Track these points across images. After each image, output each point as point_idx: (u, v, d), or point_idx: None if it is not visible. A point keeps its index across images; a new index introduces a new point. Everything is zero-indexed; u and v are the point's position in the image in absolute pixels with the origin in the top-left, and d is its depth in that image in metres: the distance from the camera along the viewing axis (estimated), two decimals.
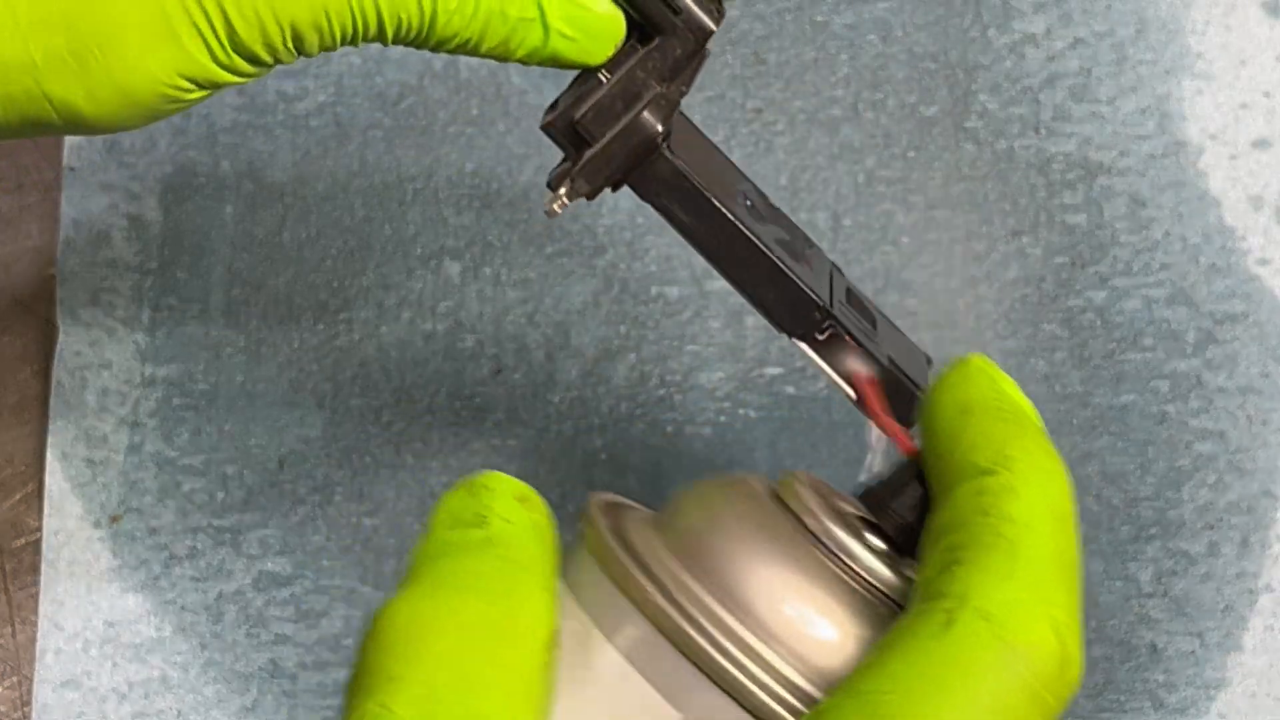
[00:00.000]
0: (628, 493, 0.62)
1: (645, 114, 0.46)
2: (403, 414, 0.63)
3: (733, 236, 0.46)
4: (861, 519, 0.41)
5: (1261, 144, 0.65)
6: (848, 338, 0.47)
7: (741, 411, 0.63)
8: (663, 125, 0.46)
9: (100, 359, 0.64)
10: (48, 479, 0.63)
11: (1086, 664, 0.61)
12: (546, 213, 0.47)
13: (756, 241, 0.46)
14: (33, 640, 0.61)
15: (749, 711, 0.37)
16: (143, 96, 0.44)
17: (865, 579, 0.40)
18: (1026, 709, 0.35)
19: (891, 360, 0.47)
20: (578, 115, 0.46)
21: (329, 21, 0.44)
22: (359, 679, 0.35)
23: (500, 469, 0.63)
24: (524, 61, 0.46)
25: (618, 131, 0.46)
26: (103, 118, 0.44)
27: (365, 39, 0.45)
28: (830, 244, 0.64)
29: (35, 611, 0.62)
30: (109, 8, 0.42)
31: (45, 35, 0.43)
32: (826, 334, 0.47)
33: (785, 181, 0.65)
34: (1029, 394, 0.63)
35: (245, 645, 0.61)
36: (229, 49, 0.44)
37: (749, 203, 0.48)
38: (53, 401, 0.63)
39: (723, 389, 0.63)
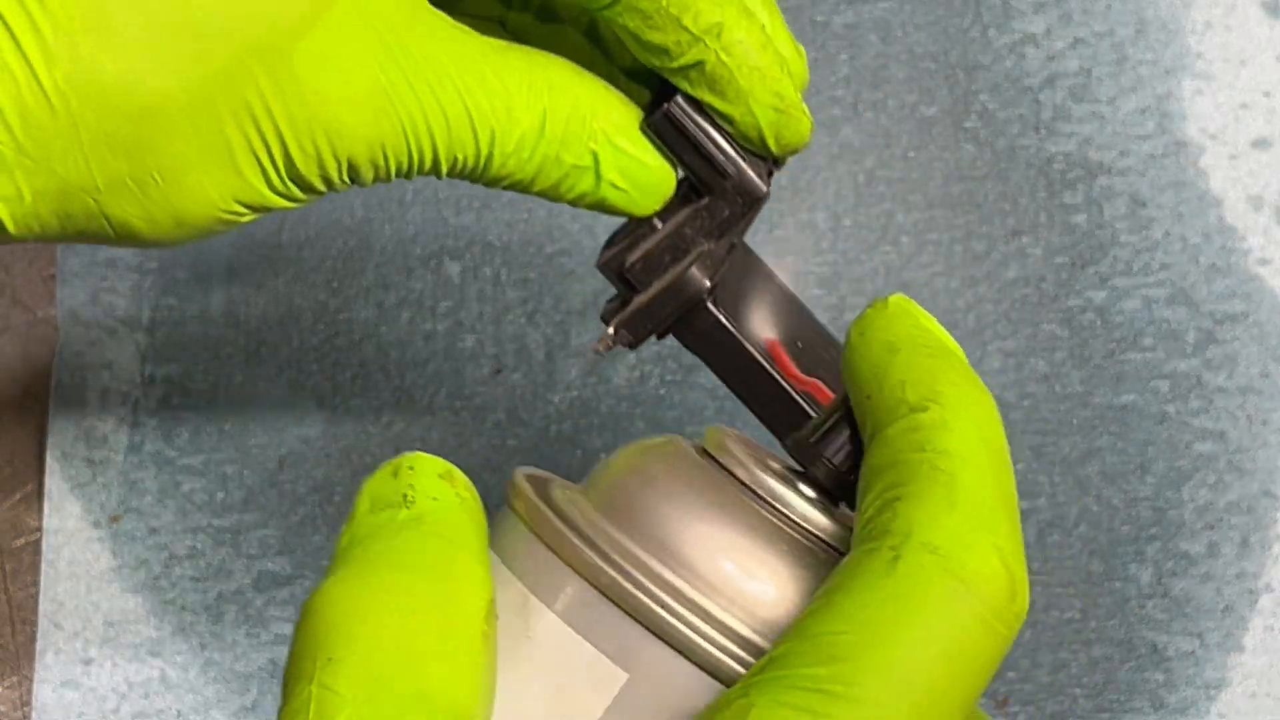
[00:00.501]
0: None
1: (692, 270, 0.46)
2: (403, 414, 0.63)
3: (773, 391, 0.47)
4: (792, 469, 0.41)
5: (1261, 144, 0.65)
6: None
7: (741, 411, 0.63)
8: (709, 280, 0.46)
9: (100, 359, 0.64)
10: (48, 479, 0.63)
11: (1087, 663, 0.61)
12: (594, 351, 0.48)
13: (793, 394, 0.47)
14: (32, 640, 0.61)
15: (697, 665, 0.37)
16: (198, 220, 0.44)
17: (802, 526, 0.40)
18: (979, 639, 0.35)
19: None
20: (627, 262, 0.47)
21: (385, 158, 0.44)
22: (295, 665, 0.35)
23: (500, 469, 0.63)
24: (573, 204, 0.47)
25: (665, 284, 0.46)
26: (157, 237, 0.44)
27: (420, 173, 0.45)
28: (830, 244, 0.64)
29: (35, 611, 0.62)
30: (172, 136, 0.43)
31: (108, 158, 0.43)
32: None
33: (785, 181, 0.65)
34: (1029, 394, 0.63)
35: (245, 645, 0.61)
36: (286, 178, 0.44)
37: (799, 344, 0.48)
38: (53, 401, 0.64)
39: (722, 388, 0.63)
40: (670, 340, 0.61)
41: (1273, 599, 0.61)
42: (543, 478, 0.42)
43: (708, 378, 0.63)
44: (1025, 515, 0.62)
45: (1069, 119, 0.65)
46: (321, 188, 0.44)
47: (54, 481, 0.63)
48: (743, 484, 0.40)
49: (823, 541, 0.40)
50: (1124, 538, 0.62)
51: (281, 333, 0.64)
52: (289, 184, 0.44)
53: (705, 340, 0.47)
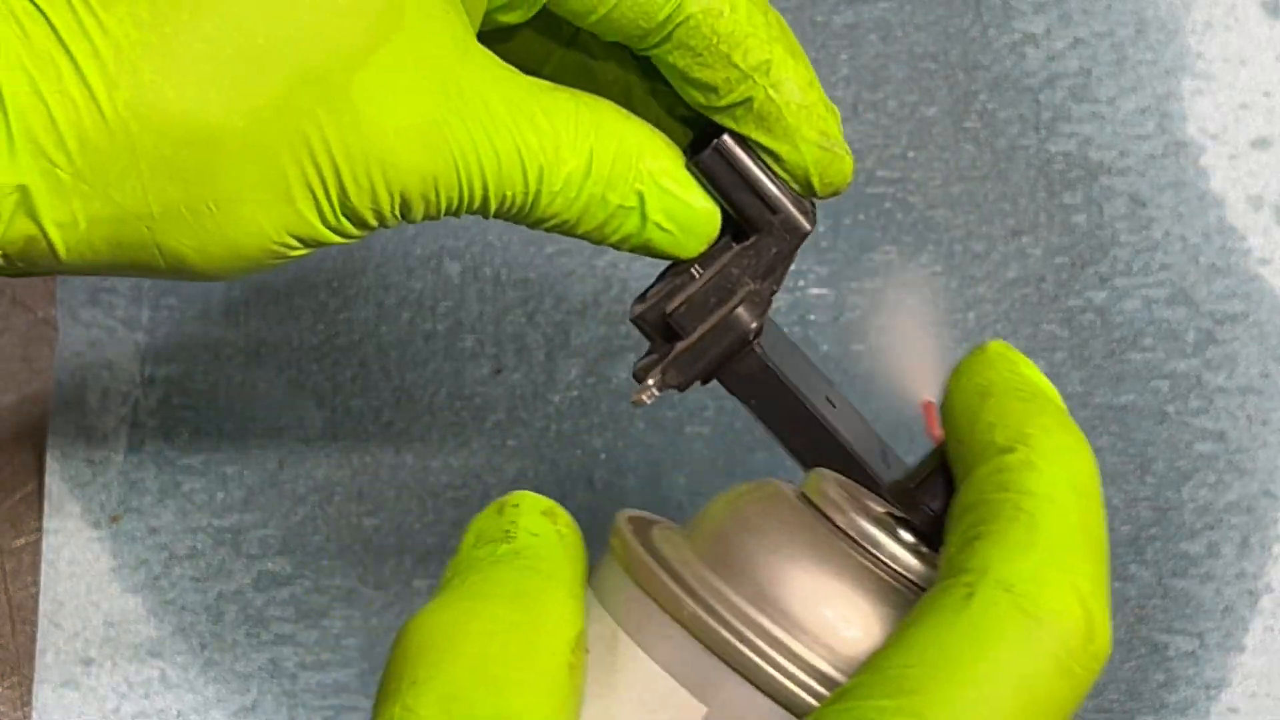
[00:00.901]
0: (627, 492, 0.62)
1: (740, 310, 0.46)
2: (403, 414, 0.63)
3: (819, 434, 0.47)
4: (890, 514, 0.41)
5: (1261, 144, 0.65)
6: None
7: (741, 411, 0.63)
8: (756, 322, 0.46)
9: (100, 359, 0.64)
10: (48, 479, 0.63)
11: None
12: (634, 403, 0.48)
13: (839, 437, 0.47)
14: (33, 640, 0.61)
15: (773, 698, 0.38)
16: (250, 252, 0.44)
17: (894, 569, 0.40)
18: (1052, 679, 0.35)
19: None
20: (670, 308, 0.47)
21: (437, 193, 0.44)
22: (384, 688, 0.36)
23: (500, 468, 0.63)
24: (617, 247, 0.47)
25: (710, 326, 0.47)
26: (208, 269, 0.44)
27: (469, 211, 0.45)
28: (830, 244, 0.64)
29: (35, 611, 0.62)
30: (229, 164, 0.42)
31: (165, 186, 0.43)
32: None
33: None
34: None
35: (245, 645, 0.61)
36: (339, 211, 0.44)
37: (829, 399, 0.49)
38: (53, 401, 0.63)
39: (723, 388, 0.63)
40: None
41: (1273, 599, 0.61)
42: (647, 520, 0.43)
43: None
44: None
45: (1069, 119, 0.65)
46: (373, 222, 0.44)
47: (54, 481, 0.63)
48: (838, 528, 0.40)
49: (916, 585, 0.40)
50: (1124, 538, 0.62)
51: (281, 333, 0.64)
52: (341, 218, 0.44)
53: (749, 383, 0.47)
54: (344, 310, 0.64)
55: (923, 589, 0.40)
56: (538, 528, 0.39)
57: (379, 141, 0.43)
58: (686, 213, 0.46)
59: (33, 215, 0.42)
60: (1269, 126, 0.65)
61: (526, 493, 0.39)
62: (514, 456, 0.63)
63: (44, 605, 0.62)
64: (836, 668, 0.38)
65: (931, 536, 0.41)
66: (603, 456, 0.63)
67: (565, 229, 0.46)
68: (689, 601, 0.38)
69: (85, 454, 0.63)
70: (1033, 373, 0.40)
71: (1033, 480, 0.37)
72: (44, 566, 0.62)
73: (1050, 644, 0.35)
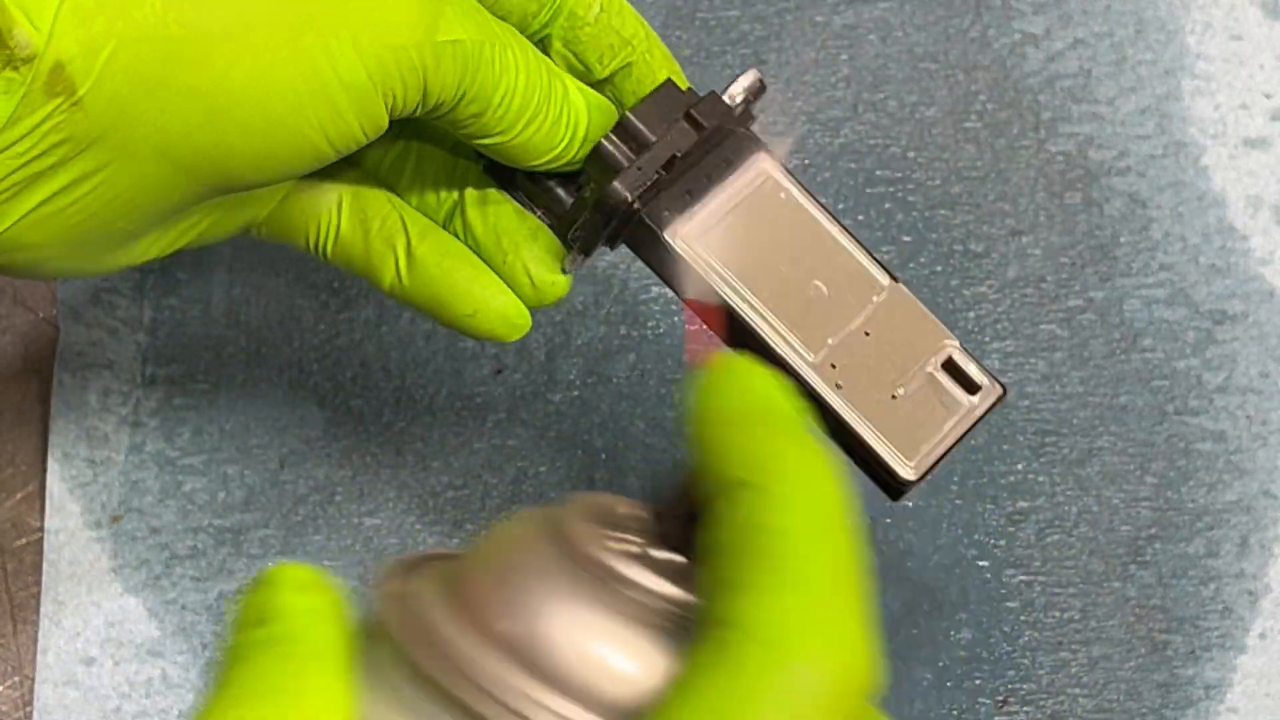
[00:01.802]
0: (627, 492, 0.62)
1: (616, 184, 0.49)
2: (403, 414, 0.63)
3: (735, 322, 0.49)
4: (649, 533, 0.39)
5: (1261, 144, 0.65)
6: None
7: None
8: (630, 194, 0.48)
9: (101, 359, 0.64)
10: (49, 479, 0.63)
11: (1086, 663, 0.61)
12: (564, 270, 0.52)
13: (751, 325, 0.49)
14: (34, 640, 0.61)
15: None
16: (270, 91, 0.45)
17: (653, 599, 0.38)
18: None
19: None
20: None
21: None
22: None
23: (500, 468, 0.63)
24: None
25: (595, 198, 0.49)
26: (227, 113, 0.45)
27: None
28: None
29: (36, 611, 0.62)
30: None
31: (184, 7, 0.44)
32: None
33: None
34: (1028, 394, 0.63)
35: None
36: (362, 62, 0.46)
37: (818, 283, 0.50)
38: (54, 401, 0.64)
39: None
40: (670, 341, 0.61)
41: (1272, 599, 0.61)
42: (421, 560, 0.41)
43: None
44: (1025, 515, 0.62)
45: (1069, 119, 0.65)
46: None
47: (55, 481, 0.63)
48: (590, 560, 0.38)
49: (678, 610, 0.38)
50: (1124, 538, 0.62)
51: (282, 333, 0.64)
52: (358, 70, 0.46)
53: (656, 257, 0.50)
54: (345, 310, 0.64)
55: (685, 617, 0.38)
56: (294, 604, 0.37)
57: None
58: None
59: (54, 40, 0.42)
60: (1268, 127, 0.65)
61: (283, 565, 0.38)
62: (514, 456, 0.63)
63: (45, 605, 0.62)
64: (607, 714, 0.37)
65: (689, 551, 0.39)
66: (603, 456, 0.63)
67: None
68: (444, 672, 0.37)
69: (86, 454, 0.63)
70: (768, 387, 0.38)
71: (772, 515, 0.35)
72: (45, 566, 0.62)
73: (813, 689, 0.34)
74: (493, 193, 0.52)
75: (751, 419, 0.37)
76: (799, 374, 0.49)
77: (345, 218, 0.52)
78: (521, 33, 0.51)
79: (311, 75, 0.45)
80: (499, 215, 0.51)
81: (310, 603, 0.37)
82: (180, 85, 0.44)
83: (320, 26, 0.45)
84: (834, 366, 0.49)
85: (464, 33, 0.47)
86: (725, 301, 0.49)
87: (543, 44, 0.52)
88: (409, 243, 0.51)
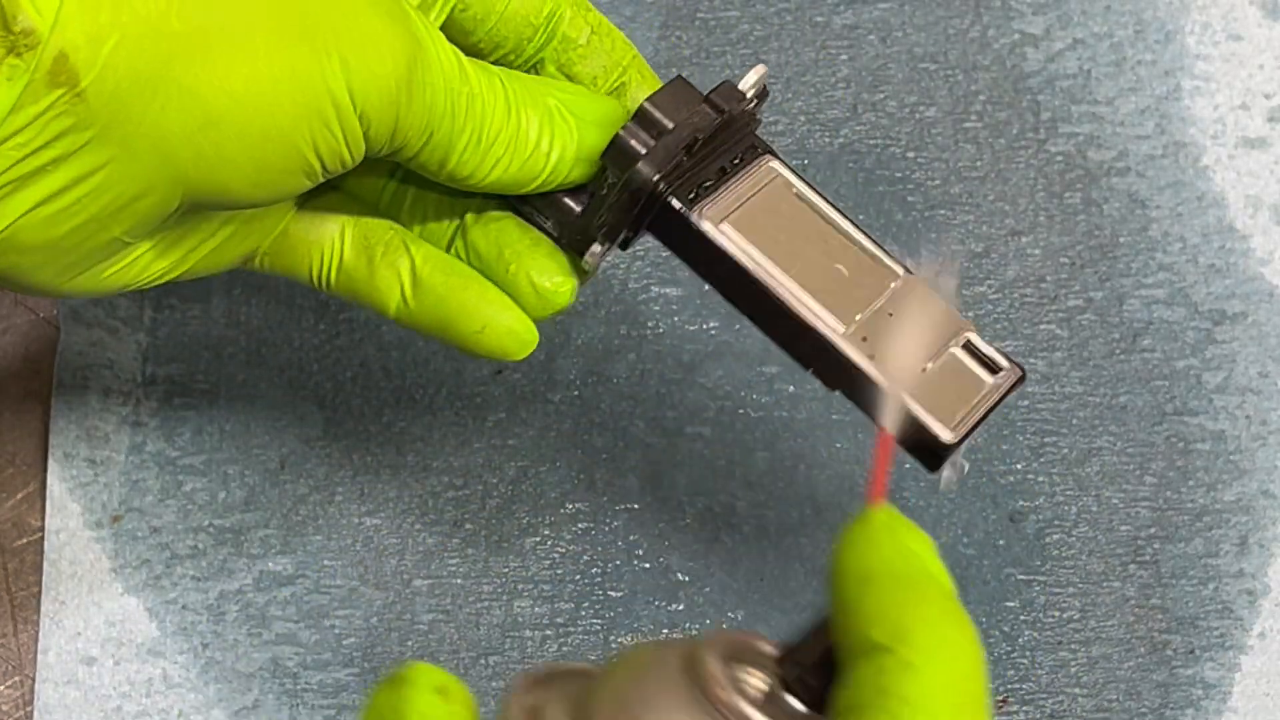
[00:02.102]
0: (627, 492, 0.62)
1: (641, 165, 0.49)
2: (403, 413, 0.63)
3: (767, 303, 0.50)
4: (783, 678, 0.39)
5: (1260, 144, 0.65)
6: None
7: (741, 411, 0.63)
8: (657, 173, 0.49)
9: (102, 359, 0.64)
10: (49, 478, 0.63)
11: (1086, 662, 0.61)
12: (584, 265, 0.52)
13: (787, 305, 0.49)
14: (34, 639, 0.61)
15: None
16: (267, 96, 0.45)
17: None
18: None
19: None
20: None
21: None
22: None
23: (500, 468, 0.63)
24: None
25: (619, 181, 0.50)
26: (225, 117, 0.45)
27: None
28: None
29: (37, 611, 0.62)
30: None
31: (187, 4, 0.44)
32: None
33: None
34: (1028, 394, 0.63)
35: (246, 644, 0.61)
36: (349, 77, 0.46)
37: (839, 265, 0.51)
38: (54, 401, 0.64)
39: (722, 388, 0.63)
40: (670, 341, 0.61)
41: (1272, 599, 0.61)
42: (549, 678, 0.41)
43: (708, 378, 0.63)
44: (1024, 515, 0.62)
45: (1069, 119, 0.65)
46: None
47: (56, 481, 0.63)
48: (719, 705, 0.38)
49: None
50: (1123, 537, 0.62)
51: (282, 333, 0.64)
52: (352, 84, 0.46)
53: (683, 241, 0.50)
54: (345, 310, 0.64)
55: None
56: (428, 709, 0.38)
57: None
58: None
59: (59, 28, 0.42)
60: (1268, 127, 0.65)
61: (420, 666, 0.38)
62: (514, 456, 0.63)
63: (46, 605, 0.62)
64: None
65: (822, 701, 0.39)
66: (603, 456, 0.63)
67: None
68: None
69: (87, 453, 0.63)
70: (920, 546, 0.38)
71: (910, 686, 0.35)
72: (46, 566, 0.62)
73: None
74: (493, 210, 0.52)
75: (898, 581, 0.37)
76: (833, 343, 0.49)
77: (348, 245, 0.52)
78: (516, 57, 0.51)
79: (307, 87, 0.45)
80: (500, 230, 0.51)
81: (447, 709, 0.38)
82: (181, 84, 0.44)
83: (315, 41, 0.45)
84: (865, 340, 0.49)
85: (439, 77, 0.47)
86: (756, 278, 0.49)
87: (536, 68, 0.52)
88: (414, 265, 0.51)
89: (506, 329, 0.51)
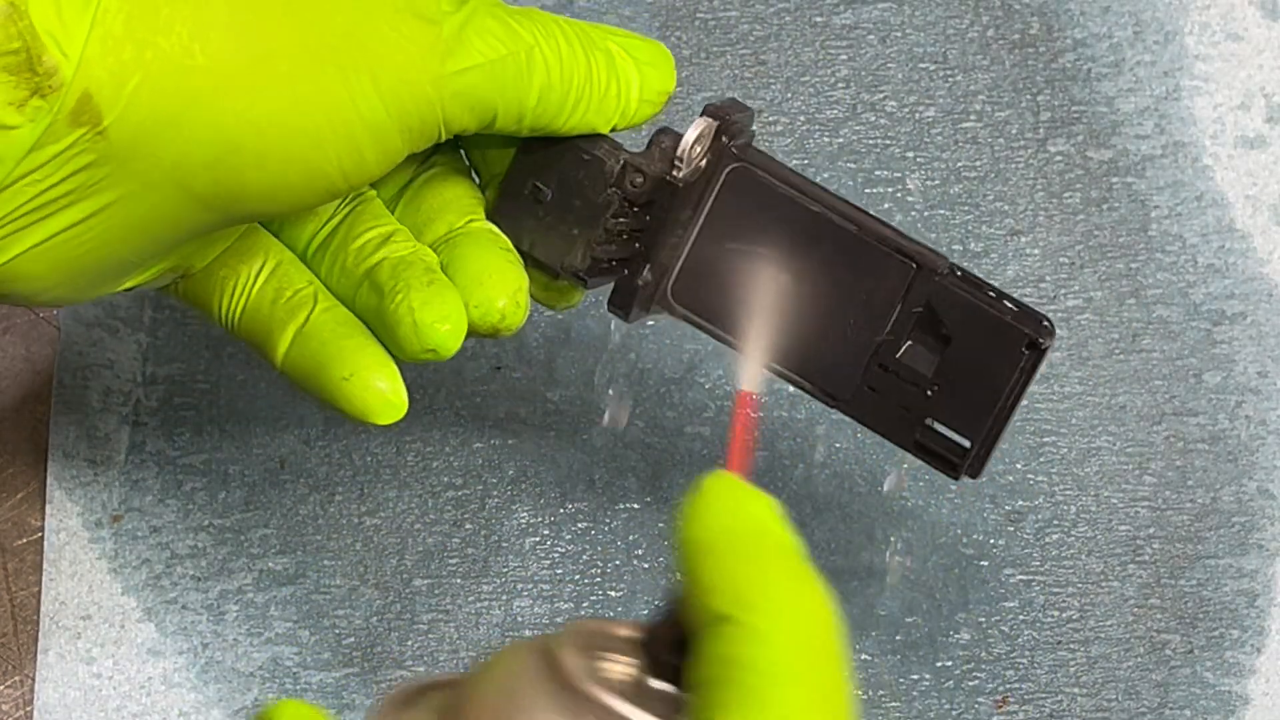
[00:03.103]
0: (627, 492, 0.62)
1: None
2: None
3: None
4: (644, 660, 0.39)
5: (1260, 144, 0.65)
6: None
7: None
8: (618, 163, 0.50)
9: (102, 358, 0.64)
10: (49, 478, 0.63)
11: (1085, 662, 0.61)
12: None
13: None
14: (34, 639, 0.62)
15: None
16: (296, 124, 0.45)
17: None
18: None
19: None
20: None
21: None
22: None
23: (500, 468, 0.63)
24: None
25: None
26: (253, 149, 0.45)
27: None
28: None
29: (37, 611, 0.62)
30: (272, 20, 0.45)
31: (210, 36, 0.44)
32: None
33: None
34: (1028, 394, 0.63)
35: (246, 644, 0.61)
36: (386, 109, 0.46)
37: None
38: (54, 401, 0.64)
39: (722, 388, 0.63)
40: (670, 341, 0.61)
41: (1271, 600, 0.61)
42: (417, 692, 0.40)
43: (708, 378, 0.63)
44: (1023, 515, 0.62)
45: (1069, 119, 0.65)
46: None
47: (56, 481, 0.63)
48: (583, 698, 0.37)
49: None
50: (1122, 537, 0.62)
51: None
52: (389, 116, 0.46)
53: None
54: None
55: None
56: None
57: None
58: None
59: (83, 67, 0.42)
60: (1267, 127, 0.65)
61: (286, 703, 0.38)
62: (514, 456, 0.63)
63: (46, 605, 0.62)
64: None
65: (682, 675, 0.38)
66: (603, 456, 0.63)
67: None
68: None
69: (87, 453, 0.63)
70: (760, 509, 0.37)
71: (757, 652, 0.34)
72: (46, 566, 0.62)
73: None
74: (403, 250, 0.51)
75: (738, 547, 0.36)
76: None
77: (259, 284, 0.51)
78: None
79: (333, 111, 0.45)
80: (406, 265, 0.50)
81: None
82: (203, 118, 0.44)
83: (341, 61, 0.45)
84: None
85: (481, 55, 0.47)
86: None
87: None
88: (311, 314, 0.50)
89: (372, 383, 0.49)
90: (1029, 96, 0.65)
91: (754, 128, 0.53)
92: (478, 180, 0.53)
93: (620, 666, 0.38)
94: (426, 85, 0.46)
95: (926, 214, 0.65)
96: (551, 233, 0.51)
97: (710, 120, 0.51)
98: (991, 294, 0.51)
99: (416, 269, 0.49)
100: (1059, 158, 0.65)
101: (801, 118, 0.66)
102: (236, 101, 0.44)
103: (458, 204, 0.52)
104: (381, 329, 0.49)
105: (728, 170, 0.51)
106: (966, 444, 0.51)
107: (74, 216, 0.44)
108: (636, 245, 0.51)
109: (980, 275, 0.51)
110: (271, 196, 0.46)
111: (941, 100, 0.66)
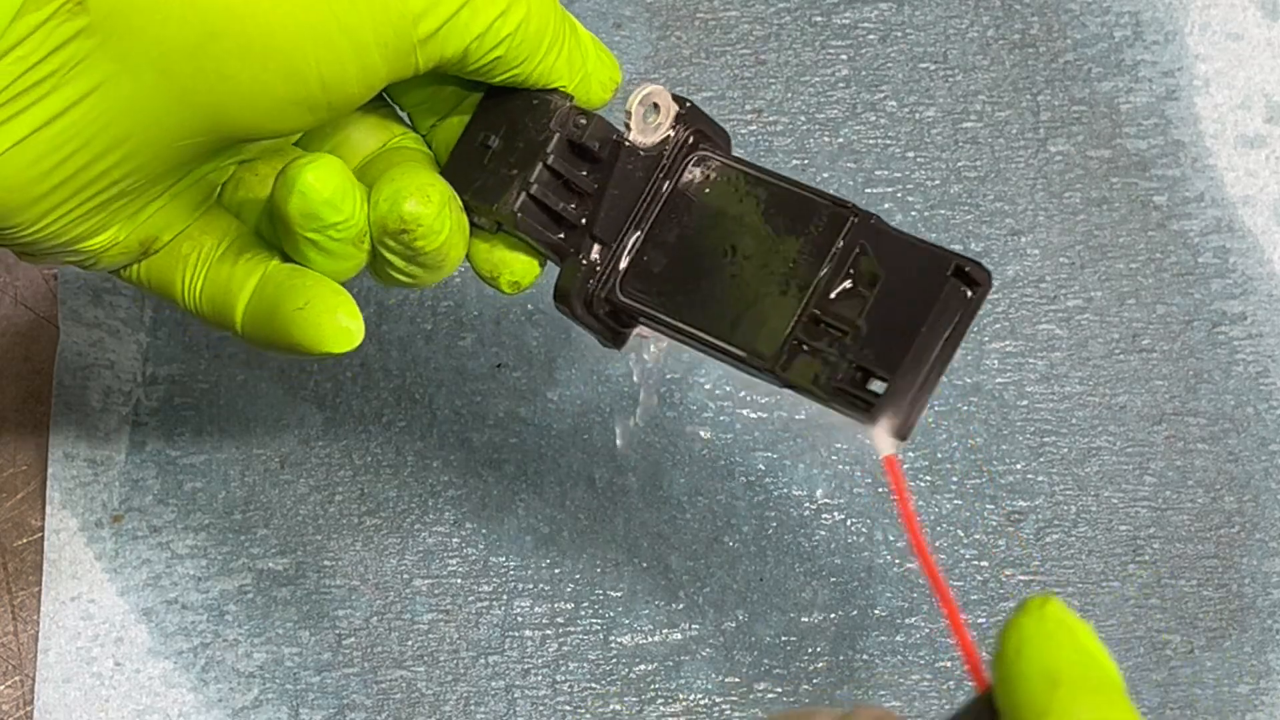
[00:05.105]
0: (627, 491, 0.62)
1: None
2: (403, 413, 0.64)
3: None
4: None
5: (1260, 143, 0.65)
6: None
7: (741, 411, 0.63)
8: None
9: (102, 358, 0.64)
10: (50, 478, 0.63)
11: None
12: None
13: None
14: (35, 639, 0.62)
15: None
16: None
17: None
18: None
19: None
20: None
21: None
22: None
23: (500, 467, 0.63)
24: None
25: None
26: (246, 34, 0.45)
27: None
28: None
29: (37, 610, 0.62)
30: None
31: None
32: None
33: None
34: (1028, 394, 0.63)
35: (246, 644, 0.61)
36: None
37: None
38: (55, 401, 0.64)
39: (722, 388, 0.63)
40: (670, 341, 0.61)
41: (1271, 599, 0.61)
42: None
43: (707, 378, 0.63)
44: (1023, 515, 0.62)
45: (1068, 119, 0.65)
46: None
47: (56, 481, 0.63)
48: None
49: None
50: (1122, 537, 0.62)
51: None
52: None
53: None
54: None
55: None
56: None
57: None
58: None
59: None
60: (1267, 126, 0.65)
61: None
62: (514, 455, 0.63)
63: (46, 605, 0.62)
64: None
65: None
66: (603, 456, 0.63)
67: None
68: None
69: (87, 453, 0.63)
70: (1092, 645, 0.37)
71: None
72: (46, 566, 0.62)
73: None
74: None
75: (1085, 685, 0.36)
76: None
77: (220, 253, 0.51)
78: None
79: (309, 7, 0.45)
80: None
81: None
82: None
83: None
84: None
85: None
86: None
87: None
88: (269, 266, 0.50)
89: (327, 310, 0.49)
90: (1029, 96, 0.66)
91: (728, 152, 0.52)
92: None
93: None
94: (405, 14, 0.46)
95: (926, 214, 0.65)
96: (493, 178, 0.50)
97: (671, 95, 0.50)
98: (921, 240, 0.48)
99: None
100: (1059, 158, 0.65)
101: (801, 118, 0.66)
102: None
103: (415, 165, 0.52)
104: (275, 216, 0.49)
105: (687, 158, 0.50)
106: (885, 378, 0.46)
107: (59, 103, 0.45)
108: (575, 207, 0.50)
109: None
110: (252, 101, 0.46)
111: (941, 100, 0.66)
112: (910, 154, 0.65)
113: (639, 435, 0.63)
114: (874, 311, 0.47)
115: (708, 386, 0.63)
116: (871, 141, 0.65)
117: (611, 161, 0.50)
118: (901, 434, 0.45)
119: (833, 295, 0.47)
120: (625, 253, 0.50)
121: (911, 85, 0.66)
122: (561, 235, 0.50)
